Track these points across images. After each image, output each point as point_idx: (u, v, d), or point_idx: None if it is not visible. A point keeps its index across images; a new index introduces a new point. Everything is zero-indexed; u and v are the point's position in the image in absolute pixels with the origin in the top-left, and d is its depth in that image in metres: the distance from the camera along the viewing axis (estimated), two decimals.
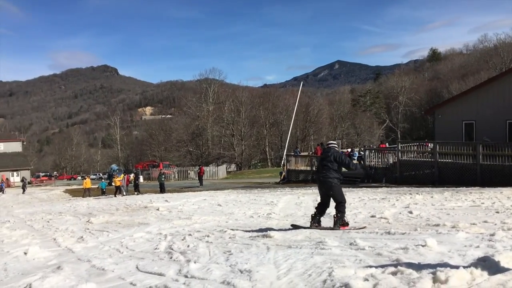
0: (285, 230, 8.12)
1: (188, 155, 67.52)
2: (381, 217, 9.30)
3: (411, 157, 23.84)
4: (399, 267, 4.31)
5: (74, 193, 34.97)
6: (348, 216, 9.95)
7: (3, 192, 40.57)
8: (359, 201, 13.48)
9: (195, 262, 5.65)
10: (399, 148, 24.06)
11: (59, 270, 5.92)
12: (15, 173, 68.72)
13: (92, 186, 32.28)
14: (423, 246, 5.47)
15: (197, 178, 38.73)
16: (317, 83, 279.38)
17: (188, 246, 7.06)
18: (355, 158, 33.06)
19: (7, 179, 61.40)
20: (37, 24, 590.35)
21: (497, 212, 9.34)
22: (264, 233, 7.61)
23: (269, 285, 4.31)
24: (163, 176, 30.10)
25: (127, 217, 13.20)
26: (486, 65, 72.99)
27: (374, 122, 78.30)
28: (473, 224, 7.58)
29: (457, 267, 4.15)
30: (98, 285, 4.99)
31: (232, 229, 8.53)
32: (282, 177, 30.88)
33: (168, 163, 59.14)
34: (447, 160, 21.00)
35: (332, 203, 8.01)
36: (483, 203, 11.07)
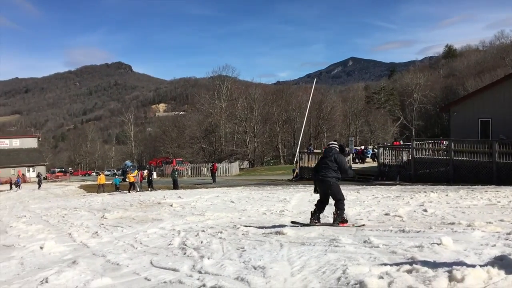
0: (298, 227, 8.11)
1: (201, 151, 67.70)
2: (395, 215, 9.23)
3: (425, 155, 23.62)
4: (414, 265, 4.26)
5: (89, 188, 35.32)
6: (362, 213, 9.95)
7: (19, 187, 41.14)
8: (372, 198, 13.39)
9: (208, 258, 5.67)
10: (414, 145, 23.83)
11: (75, 265, 5.98)
12: (31, 169, 69.67)
13: (106, 182, 32.57)
14: (438, 244, 5.41)
15: (210, 174, 38.85)
16: (330, 80, 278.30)
17: (201, 242, 7.09)
18: (369, 155, 32.94)
19: (23, 174, 62.30)
20: (53, 22, 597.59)
21: None
22: (277, 230, 7.61)
23: (283, 281, 4.30)
24: (177, 172, 30.23)
25: (141, 213, 13.30)
26: (502, 62, 71.94)
27: (388, 120, 77.66)
28: (489, 222, 7.48)
29: (473, 266, 4.10)
30: (113, 280, 5.03)
31: (245, 226, 8.55)
32: (295, 175, 30.83)
33: (181, 159, 59.35)
34: (463, 158, 20.75)
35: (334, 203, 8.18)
36: (499, 202, 10.92)
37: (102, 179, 31.32)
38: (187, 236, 7.92)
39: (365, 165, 30.38)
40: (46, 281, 5.15)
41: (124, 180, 34.03)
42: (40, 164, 71.19)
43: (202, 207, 13.96)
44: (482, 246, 5.39)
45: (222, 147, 65.76)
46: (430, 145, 25.37)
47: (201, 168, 50.41)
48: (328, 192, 8.08)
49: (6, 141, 74.55)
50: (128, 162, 53.85)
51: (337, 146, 8.55)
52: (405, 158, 24.16)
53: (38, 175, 48.05)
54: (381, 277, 3.99)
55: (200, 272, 4.99)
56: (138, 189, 27.57)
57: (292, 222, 8.66)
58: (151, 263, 5.88)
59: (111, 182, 33.34)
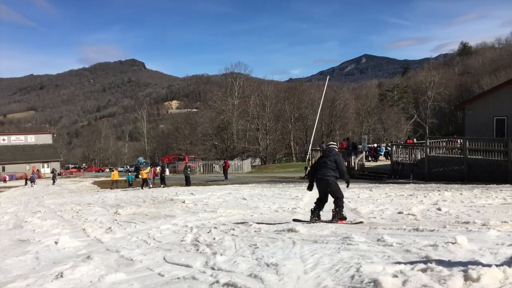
0: (311, 224, 8.09)
1: (213, 149, 67.85)
2: (409, 214, 9.15)
3: (439, 153, 23.38)
4: (428, 264, 4.22)
5: (102, 185, 35.66)
6: (375, 212, 9.89)
7: (34, 183, 41.66)
8: (385, 197, 13.30)
9: (221, 255, 5.68)
10: (428, 143, 23.60)
11: (89, 260, 6.05)
12: (45, 165, 70.62)
13: (120, 178, 32.82)
14: (453, 243, 5.35)
15: (222, 171, 38.96)
16: (343, 77, 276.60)
17: (214, 238, 7.11)
18: (382, 153, 32.73)
19: (38, 170, 63.15)
20: (67, 19, 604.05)
21: None
22: (289, 227, 7.60)
23: (296, 279, 4.29)
24: (189, 169, 30.37)
25: (153, 209, 13.38)
26: None
27: (401, 117, 76.96)
28: (505, 222, 7.38)
29: (489, 265, 4.05)
30: (127, 275, 5.07)
31: (257, 223, 8.55)
32: (307, 172, 30.73)
33: (193, 156, 59.66)
34: (477, 157, 20.50)
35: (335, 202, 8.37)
36: None
37: (115, 175, 31.58)
38: (200, 232, 7.95)
39: (378, 163, 30.19)
40: (61, 276, 5.21)
41: (137, 176, 34.28)
42: (54, 160, 72.10)
43: (214, 204, 14.00)
44: (498, 245, 5.31)
45: (234, 144, 65.84)
46: (444, 144, 25.10)
47: (213, 165, 50.61)
48: (327, 190, 8.31)
49: (22, 137, 75.72)
50: (141, 159, 54.10)
51: (336, 147, 8.89)
52: (418, 156, 23.96)
53: (53, 171, 48.65)
54: (396, 276, 3.96)
55: (213, 269, 5.01)
56: (151, 186, 27.76)
57: (294, 220, 8.83)
58: (164, 259, 5.91)
59: (124, 179, 33.59)
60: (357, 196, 13.62)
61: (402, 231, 6.85)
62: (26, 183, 44.04)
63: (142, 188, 26.88)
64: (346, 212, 8.73)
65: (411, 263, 4.44)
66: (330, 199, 8.45)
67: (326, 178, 8.18)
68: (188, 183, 28.00)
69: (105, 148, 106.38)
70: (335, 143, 9.17)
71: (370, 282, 3.87)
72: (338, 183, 8.38)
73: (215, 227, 8.43)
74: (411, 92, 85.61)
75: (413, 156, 24.29)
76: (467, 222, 7.59)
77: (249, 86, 70.46)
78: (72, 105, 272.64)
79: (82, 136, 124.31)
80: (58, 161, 73.39)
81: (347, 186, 8.73)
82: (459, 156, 21.70)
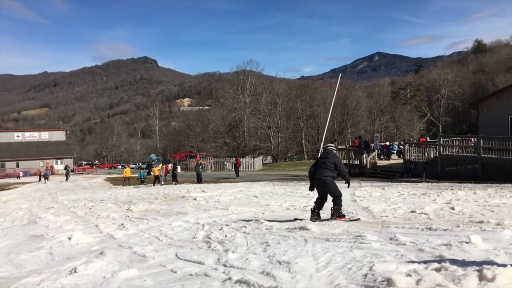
0: (323, 223, 8.07)
1: (224, 146, 67.96)
2: (422, 213, 9.08)
3: (453, 152, 23.14)
4: (442, 264, 4.19)
5: (115, 181, 35.91)
6: (387, 210, 9.84)
7: (48, 179, 42.10)
8: (398, 196, 13.20)
9: (233, 252, 5.69)
10: (441, 142, 23.37)
11: (102, 256, 6.10)
12: (59, 161, 71.37)
13: (132, 175, 33.04)
14: (467, 243, 5.30)
15: (233, 169, 39.00)
16: (355, 75, 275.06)
17: (225, 236, 7.12)
18: (394, 152, 32.50)
19: (51, 166, 63.86)
20: (81, 17, 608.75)
21: None
22: (301, 225, 7.60)
23: (308, 277, 4.28)
24: (201, 166, 30.45)
25: (165, 206, 13.45)
26: None
27: (414, 116, 76.25)
28: None
29: (504, 265, 4.01)
30: (140, 271, 5.11)
31: (269, 221, 8.55)
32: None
33: (205, 154, 59.76)
34: (491, 156, 20.25)
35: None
36: None
37: (127, 172, 31.80)
38: (211, 229, 7.97)
39: (391, 161, 29.97)
40: (75, 271, 5.26)
41: (149, 173, 34.47)
42: (67, 156, 72.82)
43: (226, 201, 14.03)
44: None
45: (245, 142, 65.86)
46: (457, 142, 24.82)
47: (225, 162, 50.70)
48: (325, 190, 8.56)
49: (36, 134, 76.65)
50: (153, 156, 54.43)
51: (334, 148, 9.25)
52: (431, 155, 23.75)
53: (66, 168, 49.12)
54: (409, 275, 3.93)
55: (225, 266, 5.02)
56: (162, 183, 27.89)
57: (295, 219, 8.96)
58: (176, 255, 5.94)
59: (136, 176, 33.81)
60: (369, 195, 13.54)
61: (415, 230, 6.80)
62: (39, 179, 44.51)
63: (154, 185, 27.03)
64: (358, 210, 8.73)
65: (425, 262, 4.41)
66: (330, 199, 8.56)
67: (324, 178, 8.42)
68: (199, 180, 28.06)
69: (117, 145, 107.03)
70: (333, 145, 9.43)
71: (383, 281, 3.84)
72: (336, 182, 8.57)
73: (227, 225, 8.44)
74: (424, 90, 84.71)
75: (426, 154, 24.09)
76: (481, 222, 7.51)
77: (260, 84, 70.39)
78: (85, 102, 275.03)
79: (95, 133, 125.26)
80: (71, 157, 74.10)
81: (348, 187, 8.91)
82: (473, 155, 21.45)
